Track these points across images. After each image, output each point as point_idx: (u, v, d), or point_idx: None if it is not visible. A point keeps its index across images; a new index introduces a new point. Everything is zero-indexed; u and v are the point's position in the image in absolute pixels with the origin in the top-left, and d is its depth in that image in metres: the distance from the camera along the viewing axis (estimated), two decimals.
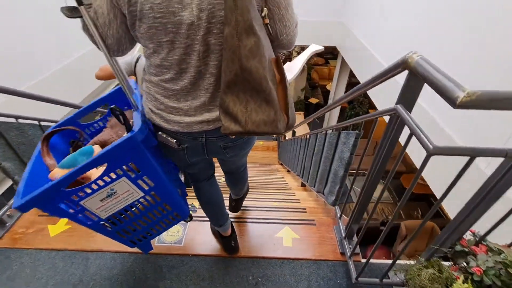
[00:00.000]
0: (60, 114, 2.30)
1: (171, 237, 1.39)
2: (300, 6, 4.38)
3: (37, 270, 1.24)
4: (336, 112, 5.82)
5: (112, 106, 0.81)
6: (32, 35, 2.31)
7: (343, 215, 1.45)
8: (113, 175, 0.77)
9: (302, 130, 5.36)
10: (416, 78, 0.71)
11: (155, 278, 1.21)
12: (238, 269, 1.26)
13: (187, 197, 1.20)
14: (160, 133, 0.84)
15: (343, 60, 4.85)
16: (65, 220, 1.46)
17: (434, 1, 2.00)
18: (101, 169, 0.77)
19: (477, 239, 0.83)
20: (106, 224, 0.91)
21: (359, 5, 3.74)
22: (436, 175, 1.80)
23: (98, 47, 0.70)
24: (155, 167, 0.82)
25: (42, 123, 1.59)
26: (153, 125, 0.84)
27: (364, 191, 1.07)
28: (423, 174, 1.97)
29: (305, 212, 1.71)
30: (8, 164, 1.39)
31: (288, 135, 4.19)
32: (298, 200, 2.06)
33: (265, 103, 0.67)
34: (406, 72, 0.75)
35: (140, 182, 0.83)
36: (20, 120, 1.48)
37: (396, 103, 0.80)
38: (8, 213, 1.44)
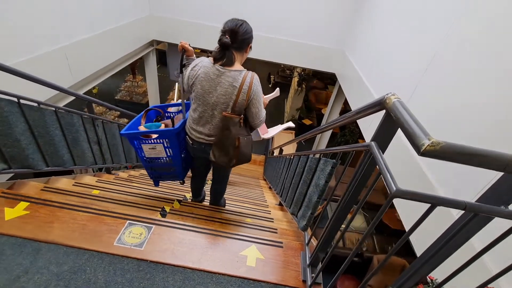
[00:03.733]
0: (44, 94, 2.24)
1: (133, 239, 1.34)
2: (307, 30, 4.53)
3: None
4: (327, 136, 5.90)
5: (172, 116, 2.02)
6: (35, 13, 2.28)
7: (312, 241, 1.43)
8: (158, 140, 1.68)
9: (291, 149, 5.38)
10: (391, 119, 0.73)
11: (105, 280, 1.15)
12: (196, 283, 1.21)
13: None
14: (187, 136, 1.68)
15: (339, 87, 4.97)
16: (25, 204, 1.39)
17: (428, 39, 2.08)
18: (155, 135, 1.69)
19: (434, 286, 0.83)
20: (146, 160, 1.80)
21: (357, 36, 3.88)
22: (410, 213, 1.82)
23: (181, 90, 1.66)
24: (177, 148, 1.71)
25: (22, 101, 1.54)
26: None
27: (333, 219, 1.07)
28: (399, 211, 1.98)
29: (276, 233, 1.68)
30: None
31: (276, 151, 4.20)
32: (272, 219, 2.03)
33: (225, 155, 1.52)
34: (384, 111, 0.77)
35: (167, 150, 1.72)
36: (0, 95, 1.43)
37: (372, 139, 0.81)
38: None
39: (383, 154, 0.74)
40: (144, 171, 3.18)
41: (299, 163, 1.85)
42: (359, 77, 3.47)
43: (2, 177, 1.86)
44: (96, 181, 2.17)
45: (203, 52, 9.37)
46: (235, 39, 1.36)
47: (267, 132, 2.06)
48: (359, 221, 4.89)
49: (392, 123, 0.75)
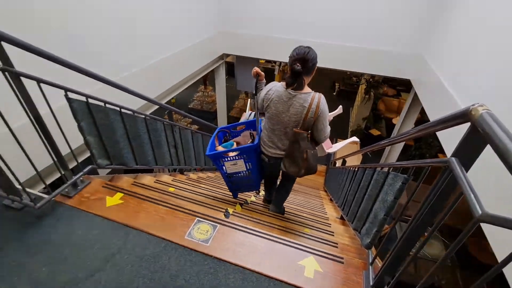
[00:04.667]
0: (135, 104, 2.68)
1: (201, 235, 1.48)
2: (375, 35, 4.26)
3: (90, 232, 1.45)
4: (398, 149, 5.35)
5: (251, 131, 2.24)
6: (130, 38, 2.79)
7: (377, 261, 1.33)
8: (238, 157, 1.94)
9: (354, 160, 5.07)
10: (478, 134, 0.64)
11: (177, 269, 1.30)
12: (254, 285, 1.26)
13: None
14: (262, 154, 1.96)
15: (415, 95, 4.47)
16: (120, 195, 1.69)
17: None
18: (235, 153, 1.98)
19: None
20: (228, 175, 2.09)
21: (445, 39, 3.44)
22: (503, 243, 1.51)
23: (255, 109, 1.98)
24: (254, 162, 1.98)
25: (122, 110, 1.89)
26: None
27: (402, 240, 0.98)
28: (490, 240, 1.67)
29: (336, 247, 1.62)
30: (91, 138, 1.69)
31: (338, 162, 4.02)
32: (333, 232, 1.95)
33: (295, 165, 1.73)
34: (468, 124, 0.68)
35: (246, 164, 1.98)
36: (107, 105, 1.79)
37: (452, 155, 0.73)
38: (81, 178, 1.73)
39: (466, 172, 0.66)
40: (210, 174, 3.46)
41: (364, 176, 1.74)
42: (440, 83, 3.07)
43: (105, 171, 2.29)
44: (171, 180, 2.47)
45: (268, 63, 9.70)
46: (305, 66, 1.53)
47: (331, 147, 2.13)
48: (436, 248, 4.24)
49: (479, 138, 0.66)
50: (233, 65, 7.63)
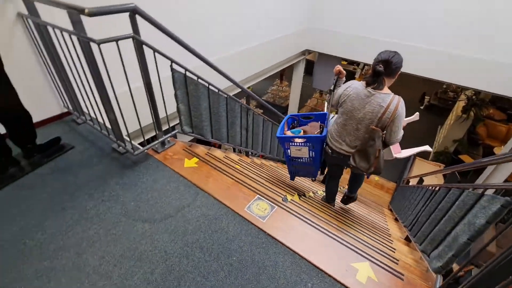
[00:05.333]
0: (220, 85, 2.93)
1: (259, 211, 1.56)
2: (501, 44, 3.55)
3: (168, 184, 1.69)
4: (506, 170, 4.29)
5: (320, 123, 2.27)
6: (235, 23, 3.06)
7: None
8: (305, 144, 2.02)
9: (434, 181, 4.45)
10: None
11: (233, 234, 1.41)
12: (302, 271, 1.27)
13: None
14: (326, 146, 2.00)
15: None
16: (196, 160, 1.91)
17: None
18: (302, 140, 2.03)
19: None
20: (291, 159, 2.19)
21: None
22: None
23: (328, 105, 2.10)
24: (318, 152, 2.03)
25: (210, 87, 2.10)
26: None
27: (484, 272, 0.84)
28: None
29: (397, 263, 1.48)
30: (182, 106, 1.94)
31: (413, 181, 3.59)
32: (394, 249, 1.78)
33: (366, 161, 1.73)
34: None
35: (310, 151, 2.04)
36: (199, 80, 2.01)
37: None
38: (168, 139, 2.01)
39: None
40: (272, 163, 3.54)
41: (447, 196, 1.53)
42: None
43: (186, 137, 2.59)
44: (238, 159, 2.64)
45: (350, 65, 9.20)
46: (387, 67, 1.57)
47: (400, 152, 2.04)
48: None
49: None
50: (311, 63, 7.52)
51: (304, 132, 2.19)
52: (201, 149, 2.21)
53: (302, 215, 1.58)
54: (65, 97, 2.11)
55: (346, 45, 4.93)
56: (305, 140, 2.01)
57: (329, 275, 1.26)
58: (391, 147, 1.87)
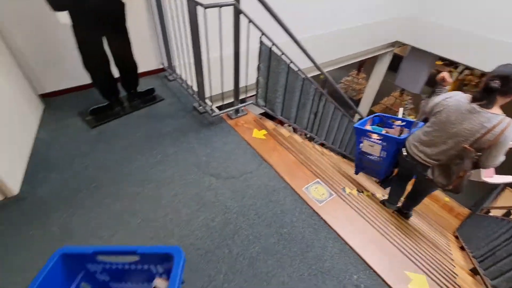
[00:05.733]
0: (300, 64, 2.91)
1: (316, 194, 1.57)
2: None
3: (236, 149, 1.82)
4: None
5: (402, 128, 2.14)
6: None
7: None
8: (379, 141, 1.96)
9: None
10: None
11: (288, 209, 1.47)
12: (350, 261, 1.27)
13: None
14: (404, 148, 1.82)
15: None
16: (264, 132, 1.99)
17: None
18: (378, 137, 1.99)
19: None
20: (361, 153, 2.13)
21: None
22: None
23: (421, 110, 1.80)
24: (391, 154, 1.93)
25: (290, 65, 2.11)
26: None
27: None
28: None
29: None
30: (262, 80, 2.01)
31: (497, 212, 3.08)
32: (456, 275, 1.61)
33: (447, 178, 1.53)
34: None
35: (382, 151, 1.97)
36: (283, 56, 2.03)
37: None
38: (243, 108, 2.13)
39: None
40: (333, 154, 3.44)
41: None
42: None
43: (257, 111, 2.70)
44: (301, 141, 2.65)
45: (446, 66, 7.96)
46: (505, 85, 1.35)
47: (491, 177, 1.75)
48: None
49: None
50: (398, 58, 6.74)
51: (386, 133, 2.08)
52: (269, 123, 2.28)
53: (359, 209, 1.53)
54: (163, 55, 2.40)
55: (448, 42, 4.25)
56: (381, 138, 1.93)
57: (378, 275, 1.22)
58: (482, 169, 1.62)
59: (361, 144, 2.07)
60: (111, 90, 1.93)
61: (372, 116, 2.25)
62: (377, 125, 2.24)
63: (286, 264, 1.23)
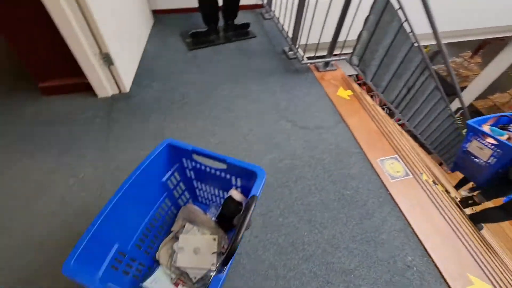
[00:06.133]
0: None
1: (390, 169, 1.48)
2: None
3: (317, 102, 1.77)
4: None
5: None
6: None
7: None
8: (492, 146, 1.67)
9: None
10: None
11: (356, 174, 1.43)
12: (408, 243, 1.21)
13: None
14: None
15: None
16: (350, 93, 1.87)
17: None
18: (493, 141, 1.69)
19: None
20: (465, 152, 1.90)
21: None
22: None
23: None
24: (502, 163, 1.64)
25: (405, 24, 1.81)
26: None
27: None
28: None
29: None
30: (365, 34, 1.80)
31: None
32: None
33: None
34: None
35: (492, 157, 1.69)
36: (399, 11, 1.75)
37: None
38: (333, 62, 2.00)
39: None
40: (412, 141, 3.11)
41: None
42: None
43: (348, 71, 2.51)
44: (383, 114, 2.43)
45: None
46: None
47: None
48: None
49: None
50: None
51: (509, 139, 1.74)
52: (356, 86, 2.11)
53: (433, 198, 1.40)
54: None
55: None
56: (496, 143, 1.64)
57: (436, 265, 1.15)
58: None
59: (468, 143, 1.82)
60: (213, 17, 1.99)
61: (498, 114, 1.92)
62: (499, 127, 1.88)
63: (341, 222, 1.24)
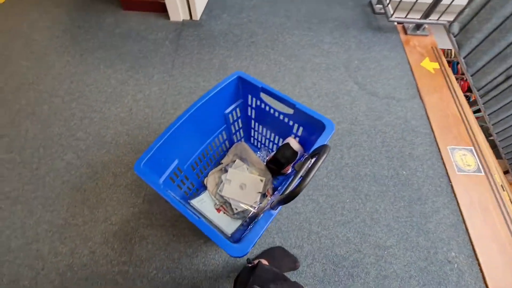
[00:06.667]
0: None
1: (460, 161, 1.31)
2: None
3: (395, 68, 1.56)
4: None
5: None
6: None
7: None
8: None
9: None
10: None
11: (417, 156, 1.30)
12: (456, 239, 1.13)
13: None
14: None
15: None
16: (436, 65, 1.61)
17: None
18: None
19: None
20: None
21: None
22: None
23: None
24: None
25: None
26: None
27: None
28: None
29: None
30: None
31: None
32: None
33: None
34: None
35: None
36: None
37: None
38: (426, 26, 1.69)
39: None
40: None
41: None
42: None
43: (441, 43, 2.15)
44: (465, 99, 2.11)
45: None
46: None
47: None
48: None
49: None
50: None
51: None
52: (445, 60, 1.81)
53: (502, 203, 1.25)
54: None
55: None
56: None
57: (481, 270, 1.07)
58: None
59: None
60: None
61: None
62: None
63: (387, 200, 1.18)
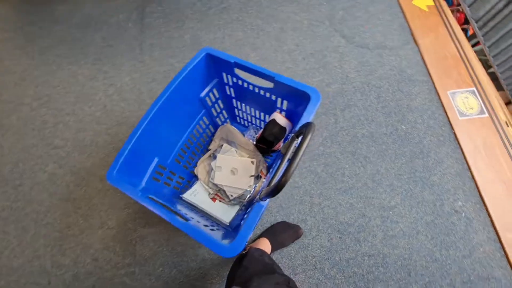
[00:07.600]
0: None
1: (462, 105, 1.23)
2: None
3: (383, 13, 1.42)
4: None
5: None
6: None
7: None
8: None
9: None
10: None
11: (416, 106, 1.22)
12: (462, 188, 1.09)
13: None
14: None
15: None
16: (431, 3, 1.45)
17: None
18: None
19: None
20: None
21: None
22: None
23: None
24: None
25: None
26: None
27: None
28: None
29: None
30: None
31: None
32: None
33: None
34: None
35: None
36: None
37: None
38: None
39: None
40: None
41: None
42: None
43: None
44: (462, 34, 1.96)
45: None
46: None
47: None
48: None
49: None
50: None
51: None
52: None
53: (508, 145, 1.19)
54: None
55: None
56: None
57: (489, 214, 1.04)
58: None
59: None
60: None
61: None
62: None
63: (388, 158, 1.13)
